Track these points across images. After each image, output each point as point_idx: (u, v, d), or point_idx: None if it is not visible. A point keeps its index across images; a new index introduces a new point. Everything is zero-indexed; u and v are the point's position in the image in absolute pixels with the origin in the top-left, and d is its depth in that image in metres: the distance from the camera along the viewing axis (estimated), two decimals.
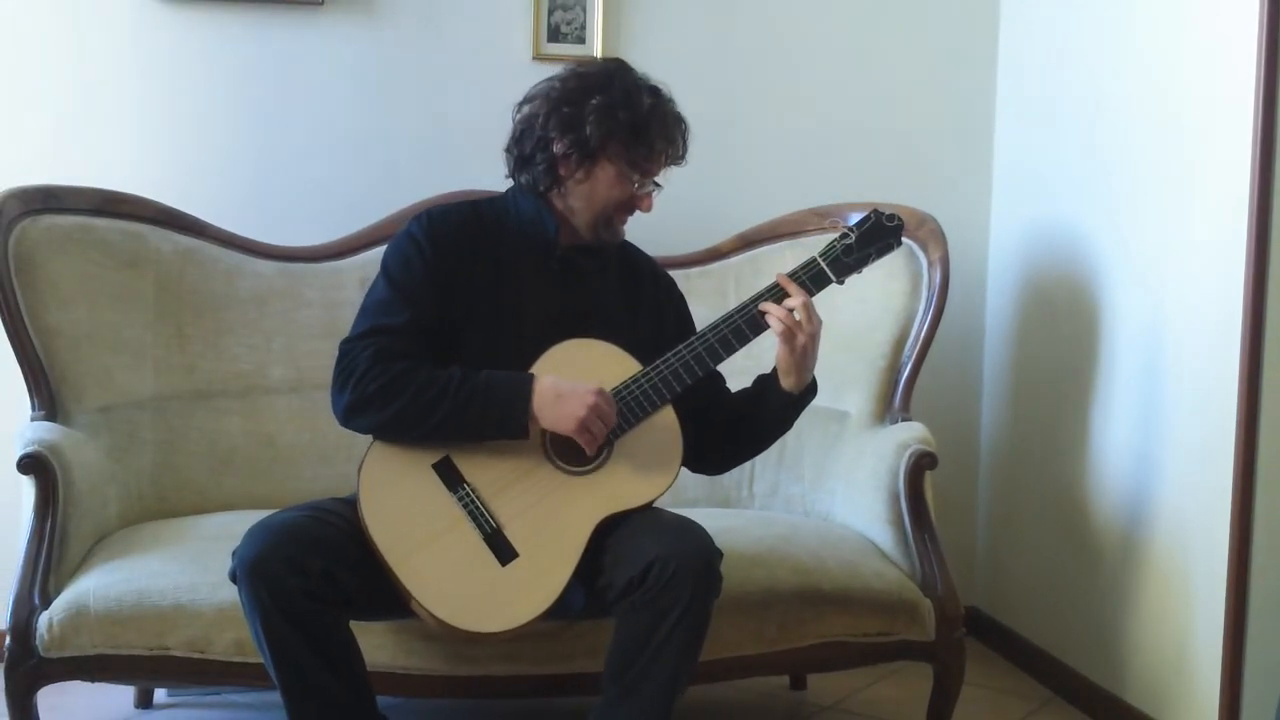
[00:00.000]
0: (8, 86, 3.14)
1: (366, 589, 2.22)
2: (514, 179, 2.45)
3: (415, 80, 3.28)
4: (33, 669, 2.38)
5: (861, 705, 3.08)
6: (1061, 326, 3.19)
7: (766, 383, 2.41)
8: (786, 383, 2.36)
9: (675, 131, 2.39)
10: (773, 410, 2.41)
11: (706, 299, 2.97)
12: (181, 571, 2.43)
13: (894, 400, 2.90)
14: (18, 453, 2.48)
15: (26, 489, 2.50)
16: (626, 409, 2.30)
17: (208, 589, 2.39)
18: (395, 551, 2.22)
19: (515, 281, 2.40)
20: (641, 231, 2.53)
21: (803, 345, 2.32)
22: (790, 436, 2.55)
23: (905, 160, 3.47)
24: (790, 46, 3.43)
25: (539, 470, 2.30)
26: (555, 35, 3.31)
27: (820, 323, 2.34)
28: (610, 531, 2.27)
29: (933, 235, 2.91)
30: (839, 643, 2.59)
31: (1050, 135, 3.27)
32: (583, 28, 3.32)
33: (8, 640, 2.38)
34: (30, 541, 2.45)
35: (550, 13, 3.30)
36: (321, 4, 3.22)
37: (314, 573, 2.14)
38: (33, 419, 2.67)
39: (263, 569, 2.14)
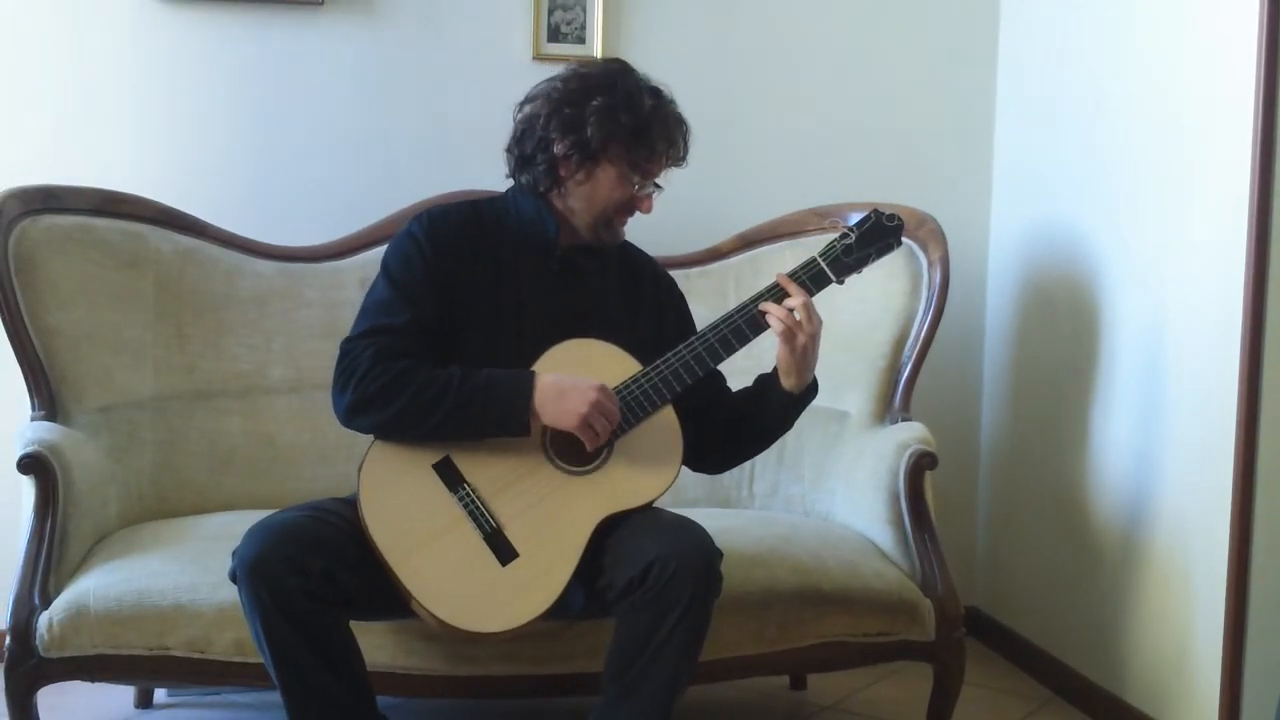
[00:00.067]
0: (8, 86, 3.14)
1: (366, 589, 2.21)
2: (514, 179, 2.45)
3: (415, 80, 3.28)
4: (33, 669, 2.38)
5: (861, 705, 3.08)
6: (1061, 326, 3.19)
7: (767, 382, 2.41)
8: (787, 383, 2.36)
9: (676, 133, 2.39)
10: (773, 410, 2.41)
11: (706, 299, 2.97)
12: (181, 571, 2.43)
13: (894, 400, 2.90)
14: (18, 453, 2.48)
15: (26, 489, 2.50)
16: (627, 409, 2.29)
17: (208, 589, 2.39)
18: (395, 551, 2.22)
19: (515, 281, 2.40)
20: (641, 231, 2.53)
21: (803, 345, 2.32)
22: (790, 436, 2.55)
23: (905, 160, 3.47)
24: (790, 46, 3.43)
25: (539, 470, 2.29)
26: (555, 35, 3.31)
27: (820, 323, 2.34)
28: (610, 531, 2.26)
29: (933, 235, 2.91)
30: (839, 643, 2.59)
31: (1050, 135, 3.27)
32: (583, 28, 3.31)
33: (8, 640, 2.38)
34: (30, 541, 2.45)
35: (550, 13, 3.29)
36: (321, 4, 3.22)
37: (314, 573, 2.14)
38: (33, 419, 2.67)
39: (263, 569, 2.13)
